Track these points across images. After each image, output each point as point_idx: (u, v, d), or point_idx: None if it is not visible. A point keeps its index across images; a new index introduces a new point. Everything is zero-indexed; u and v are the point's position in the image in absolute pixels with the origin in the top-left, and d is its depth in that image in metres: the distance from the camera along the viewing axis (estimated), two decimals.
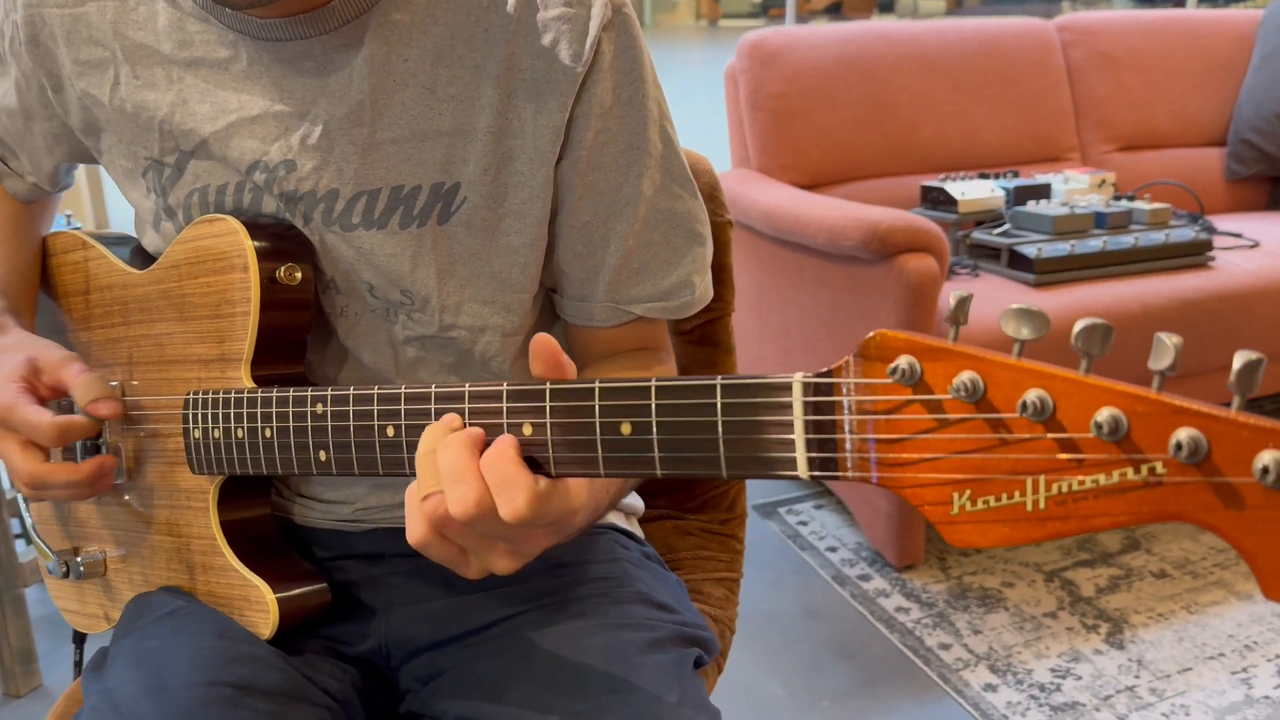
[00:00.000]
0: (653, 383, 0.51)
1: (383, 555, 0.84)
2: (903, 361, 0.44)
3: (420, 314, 0.77)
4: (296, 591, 0.75)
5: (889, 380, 0.45)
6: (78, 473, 0.76)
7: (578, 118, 0.74)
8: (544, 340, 0.55)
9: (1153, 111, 2.59)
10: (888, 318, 1.80)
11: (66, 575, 0.86)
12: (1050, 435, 0.41)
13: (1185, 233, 2.04)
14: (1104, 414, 0.40)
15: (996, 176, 2.26)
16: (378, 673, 0.82)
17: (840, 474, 0.46)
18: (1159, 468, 0.39)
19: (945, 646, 1.71)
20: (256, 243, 0.74)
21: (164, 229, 0.80)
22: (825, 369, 0.46)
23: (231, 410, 0.72)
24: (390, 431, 0.62)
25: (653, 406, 0.51)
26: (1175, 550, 1.99)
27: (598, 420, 0.53)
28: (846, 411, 0.46)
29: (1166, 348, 0.40)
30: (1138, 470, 0.40)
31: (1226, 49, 2.67)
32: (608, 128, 0.75)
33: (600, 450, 0.53)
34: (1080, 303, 1.87)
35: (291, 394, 0.68)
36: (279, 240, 0.75)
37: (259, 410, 0.70)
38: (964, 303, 0.46)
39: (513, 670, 0.73)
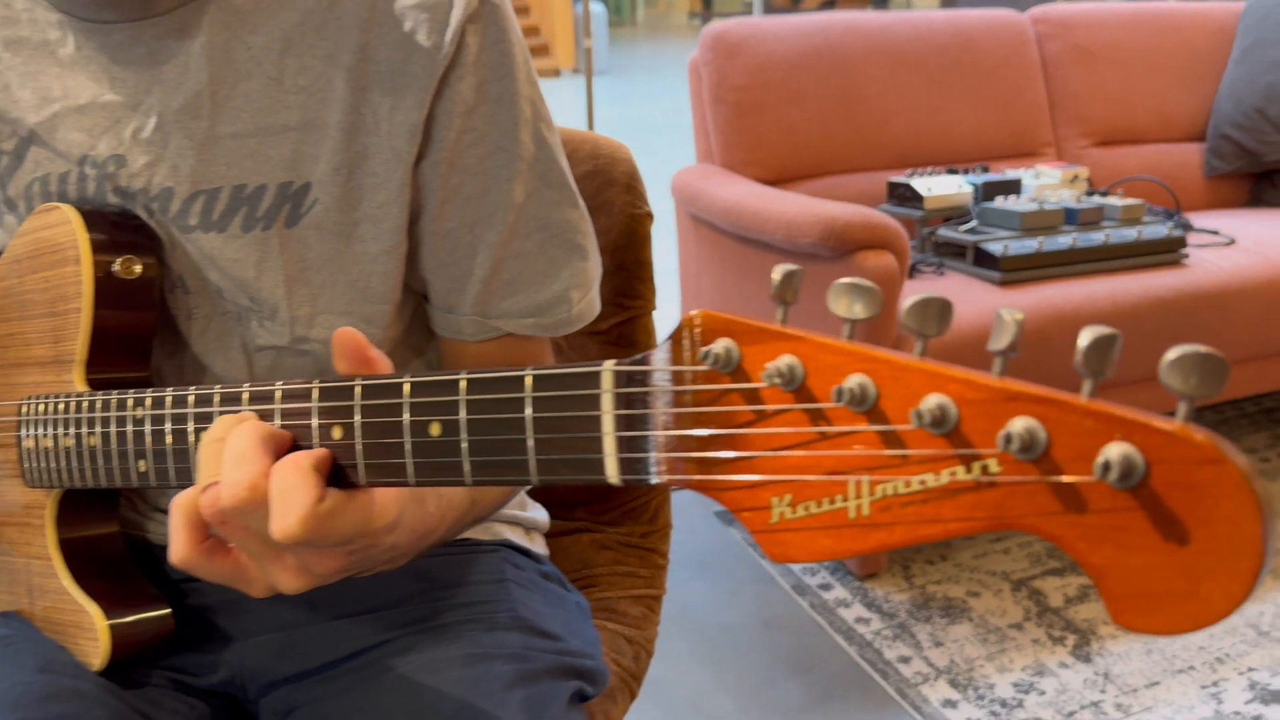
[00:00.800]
0: (462, 375, 0.45)
1: None
2: (718, 346, 0.38)
3: (271, 323, 0.71)
4: (133, 618, 0.68)
5: (704, 367, 0.38)
6: None
7: (438, 115, 0.68)
8: (346, 335, 0.49)
9: (1130, 106, 2.53)
10: None
11: None
12: (872, 427, 0.35)
13: (1159, 229, 1.97)
14: (929, 402, 0.33)
15: (965, 172, 2.20)
16: (234, 707, 0.75)
17: (651, 476, 0.39)
18: (992, 465, 0.33)
19: (905, 659, 1.64)
20: (93, 234, 0.67)
21: (5, 223, 0.74)
22: (640, 355, 0.40)
23: (59, 416, 0.66)
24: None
25: (461, 403, 0.45)
26: None
27: (406, 420, 0.46)
28: (659, 405, 0.39)
29: (1006, 325, 0.34)
30: (969, 468, 0.33)
31: (1206, 42, 2.61)
32: (473, 127, 0.69)
33: (409, 455, 0.46)
34: (1049, 301, 1.81)
35: (114, 397, 0.62)
36: (119, 231, 0.68)
37: (84, 415, 0.64)
38: (792, 277, 0.40)
39: (364, 706, 0.66)
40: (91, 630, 0.67)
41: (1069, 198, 2.07)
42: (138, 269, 0.67)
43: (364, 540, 0.49)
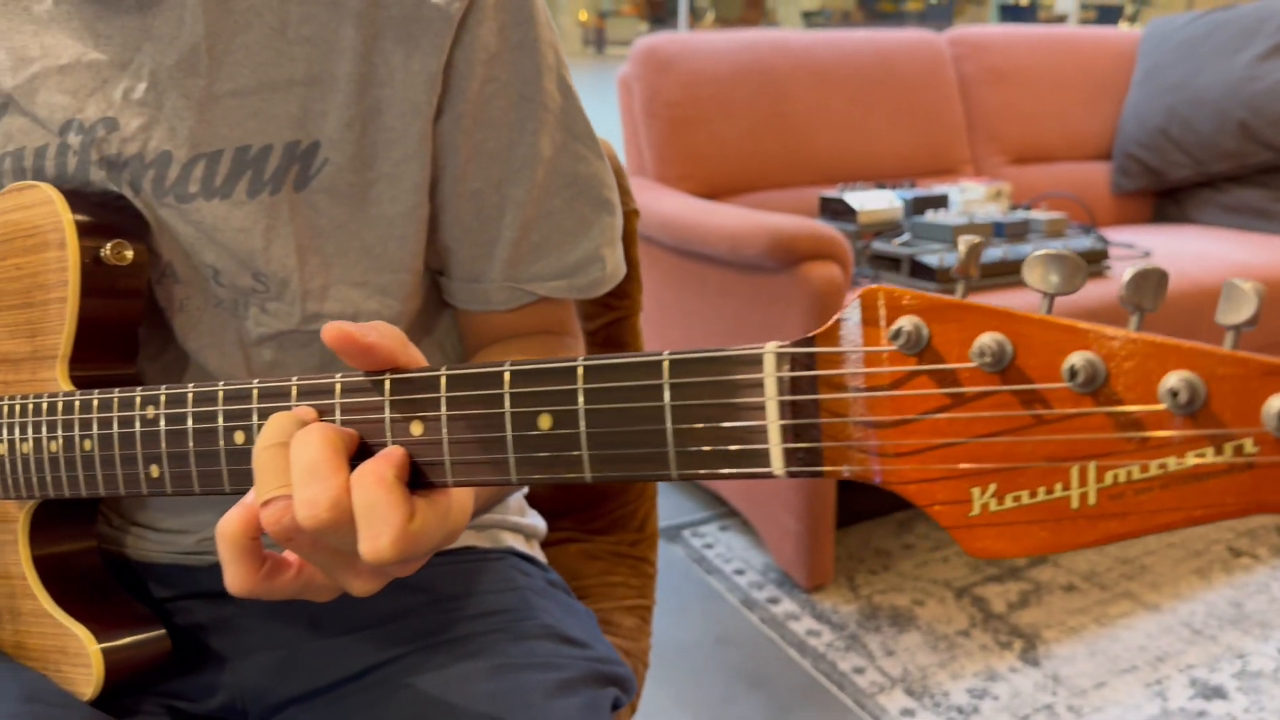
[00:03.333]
0: (579, 363, 0.40)
1: None
2: (906, 323, 0.35)
3: (277, 303, 0.65)
4: (126, 640, 0.61)
5: (887, 347, 0.35)
6: None
7: (457, 64, 0.63)
8: (333, 330, 0.43)
9: (1041, 125, 2.61)
10: (793, 327, 1.73)
11: None
12: (1101, 409, 0.32)
13: (1082, 242, 2.03)
14: (1175, 379, 0.31)
15: (894, 187, 2.23)
16: None
17: (827, 468, 0.35)
18: (1248, 446, 0.30)
19: (859, 670, 1.63)
20: (77, 215, 0.60)
21: None
22: (806, 335, 0.36)
23: (43, 418, 0.58)
24: (240, 438, 0.49)
25: (579, 392, 0.40)
26: (1081, 563, 1.96)
27: (508, 413, 0.42)
28: (832, 390, 0.36)
29: (1245, 295, 0.31)
30: (1219, 450, 0.31)
31: (1108, 65, 2.72)
32: (495, 76, 0.64)
33: (512, 450, 0.42)
34: None
35: (116, 395, 0.55)
36: (105, 212, 0.61)
37: (76, 417, 0.57)
38: (975, 250, 0.36)
39: None
40: (81, 655, 0.60)
41: (995, 212, 2.12)
42: (129, 254, 0.61)
43: (445, 543, 0.44)
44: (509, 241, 0.67)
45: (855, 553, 1.99)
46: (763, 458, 0.36)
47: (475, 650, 0.64)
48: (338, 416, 0.46)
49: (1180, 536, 2.06)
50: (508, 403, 0.42)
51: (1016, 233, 2.04)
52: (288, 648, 0.67)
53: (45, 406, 0.58)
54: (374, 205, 0.64)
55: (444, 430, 0.43)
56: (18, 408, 0.60)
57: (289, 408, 0.47)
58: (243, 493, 0.49)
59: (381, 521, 0.40)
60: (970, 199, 2.17)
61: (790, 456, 0.36)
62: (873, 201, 2.10)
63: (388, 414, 0.45)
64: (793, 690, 1.59)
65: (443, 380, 0.43)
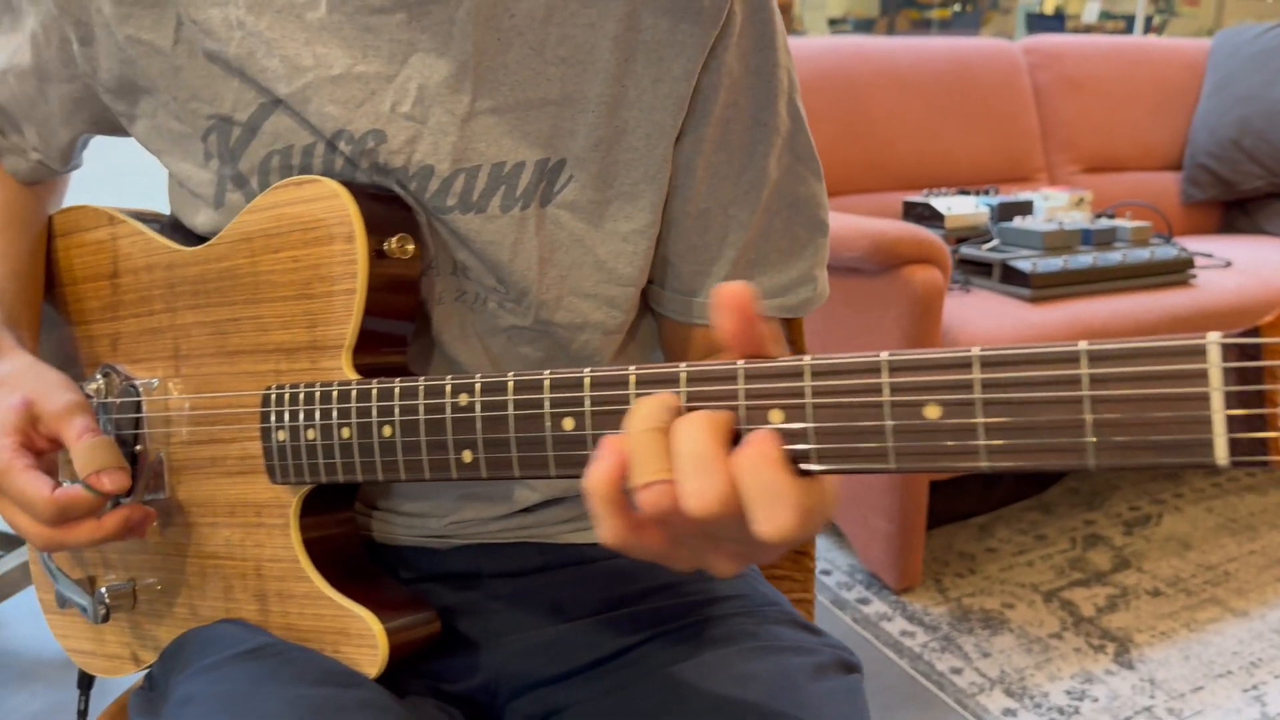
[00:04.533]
0: (974, 352, 0.42)
1: (479, 575, 0.73)
2: None
3: (514, 304, 0.67)
4: (405, 620, 0.64)
5: None
6: (101, 530, 0.65)
7: (704, 88, 0.65)
8: (734, 291, 0.45)
9: (1114, 135, 2.63)
10: (890, 331, 1.75)
11: (106, 617, 0.72)
12: None
13: (1168, 250, 2.04)
14: None
15: (976, 193, 2.25)
16: (479, 712, 0.70)
17: (1273, 457, 0.37)
18: None
19: (957, 670, 1.65)
20: (363, 209, 0.63)
21: (230, 201, 0.68)
22: (1249, 327, 0.38)
23: (334, 406, 0.61)
24: (569, 424, 0.52)
25: (976, 382, 0.42)
26: (1165, 568, 1.97)
27: (888, 402, 0.44)
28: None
29: None
30: None
31: (1178, 76, 2.73)
32: (735, 101, 0.67)
33: (892, 440, 0.44)
34: (1078, 318, 1.85)
35: (422, 383, 0.57)
36: (385, 208, 0.64)
37: (374, 404, 0.59)
38: None
39: (658, 703, 0.63)
40: (364, 636, 0.62)
41: (1081, 219, 2.13)
42: (410, 248, 0.63)
43: (825, 522, 0.46)
44: (729, 260, 0.69)
45: (939, 555, 2.01)
46: (1204, 448, 0.38)
47: (726, 633, 0.66)
48: (686, 403, 0.48)
49: (1261, 544, 2.07)
50: (887, 392, 0.44)
51: (1104, 240, 2.05)
52: (535, 630, 0.70)
53: (335, 394, 0.61)
54: (610, 221, 0.66)
55: (809, 418, 0.45)
56: (301, 395, 0.62)
57: (625, 396, 0.50)
58: (569, 476, 0.52)
59: (781, 500, 0.42)
60: (1054, 205, 2.19)
61: (1235, 446, 0.37)
62: (959, 206, 2.12)
63: (743, 401, 0.47)
64: (891, 689, 1.61)
65: (807, 369, 0.46)
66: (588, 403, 0.51)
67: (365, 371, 0.63)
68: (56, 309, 0.80)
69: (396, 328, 0.65)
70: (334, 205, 0.62)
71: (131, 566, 0.76)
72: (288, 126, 0.65)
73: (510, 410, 0.54)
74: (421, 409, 0.57)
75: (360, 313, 0.62)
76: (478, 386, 0.55)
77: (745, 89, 0.67)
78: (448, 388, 0.56)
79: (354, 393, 0.60)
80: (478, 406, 0.55)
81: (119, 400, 0.74)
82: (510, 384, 0.54)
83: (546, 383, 0.52)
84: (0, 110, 0.77)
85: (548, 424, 0.52)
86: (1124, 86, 2.66)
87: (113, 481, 0.62)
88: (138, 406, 0.73)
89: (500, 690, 0.69)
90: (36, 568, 0.84)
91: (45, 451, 0.65)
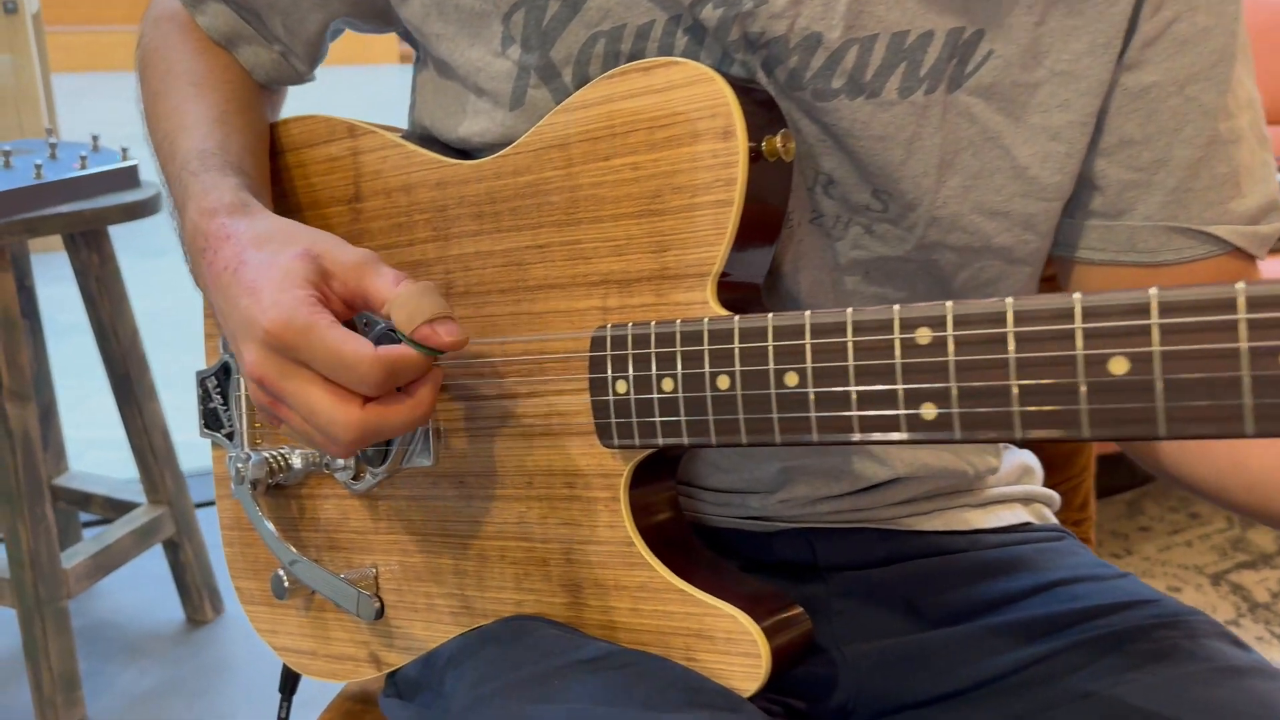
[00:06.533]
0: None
1: (816, 567, 0.60)
2: None
3: (890, 226, 0.54)
4: (779, 619, 0.50)
5: None
6: (420, 406, 0.49)
7: None
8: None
9: None
10: None
11: (380, 613, 0.59)
12: None
13: None
14: None
15: None
16: None
17: None
18: None
19: None
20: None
21: (532, 99, 0.55)
22: None
23: (704, 348, 0.48)
24: (1119, 367, 0.38)
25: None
26: None
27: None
28: None
29: None
30: None
31: None
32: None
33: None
34: None
35: (849, 317, 0.44)
36: (754, 98, 0.50)
37: (769, 345, 0.46)
38: None
39: None
40: (734, 642, 0.49)
41: None
42: (793, 147, 0.49)
43: None
44: (1184, 163, 0.54)
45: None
46: None
47: (1158, 649, 0.53)
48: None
49: None
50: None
51: None
52: (894, 638, 0.57)
53: (708, 334, 0.47)
54: (1037, 113, 0.53)
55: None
56: (653, 336, 0.49)
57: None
58: (1130, 437, 0.38)
59: None
60: None
61: None
62: None
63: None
64: None
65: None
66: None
67: (727, 307, 0.50)
68: None
69: (760, 256, 0.52)
70: (703, 93, 0.49)
71: (374, 549, 0.63)
72: (620, 2, 0.52)
73: (1010, 350, 0.40)
74: (851, 351, 0.44)
75: (734, 230, 0.49)
76: (943, 318, 0.41)
77: None
78: (894, 321, 0.43)
79: (736, 331, 0.47)
80: (949, 346, 0.41)
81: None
82: (985, 313, 0.40)
83: (1078, 309, 0.39)
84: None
85: (1083, 368, 0.39)
86: None
87: (451, 333, 0.48)
88: None
89: (856, 712, 0.57)
90: (235, 549, 0.71)
91: (341, 318, 0.49)
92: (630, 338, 0.50)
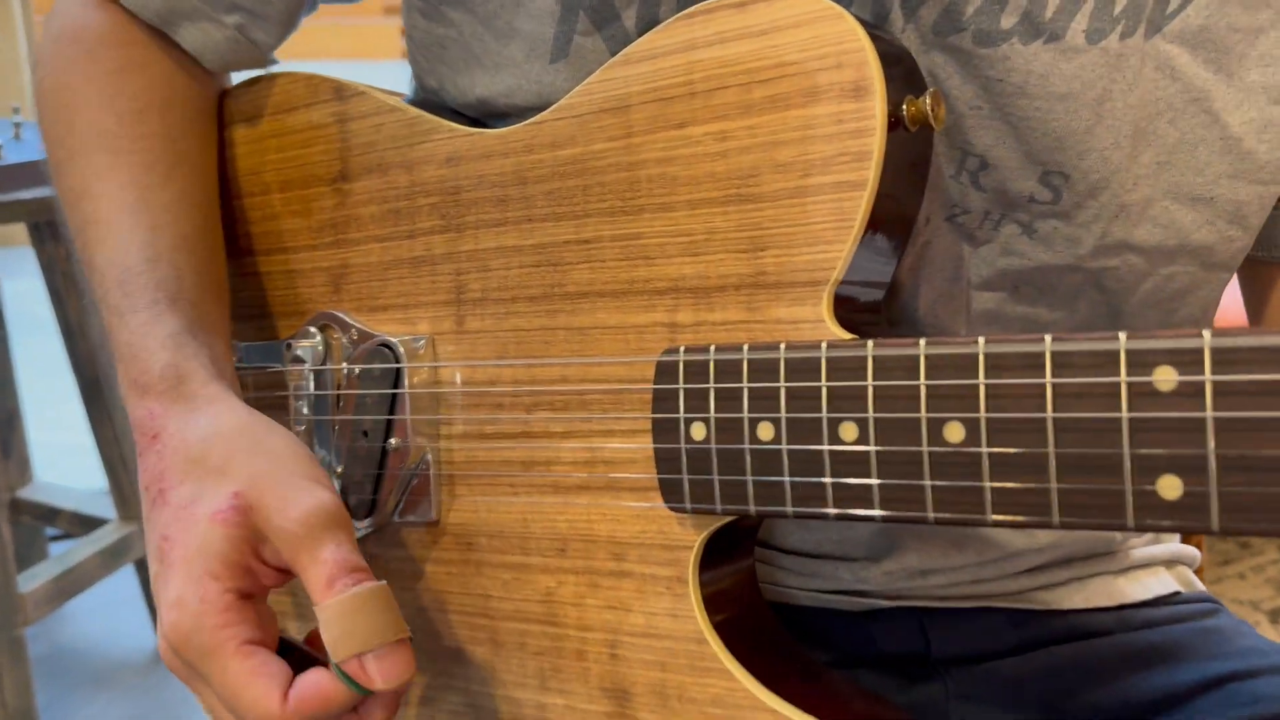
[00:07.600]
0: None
1: (929, 659, 0.47)
2: None
3: (1060, 222, 0.41)
4: None
5: None
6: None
7: None
8: None
9: None
10: None
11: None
12: None
13: None
14: None
15: None
16: None
17: None
18: None
19: None
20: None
21: (579, 49, 0.42)
22: None
23: (821, 384, 0.34)
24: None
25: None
26: None
27: None
28: None
29: None
30: None
31: None
32: None
33: None
34: None
35: (1050, 345, 0.30)
36: (892, 47, 0.37)
37: (921, 384, 0.32)
38: None
39: None
40: None
41: None
42: (942, 112, 0.36)
43: None
44: None
45: None
46: None
47: None
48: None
49: None
50: None
51: None
52: None
53: (827, 362, 0.34)
54: (1256, 68, 0.40)
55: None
56: (745, 364, 0.36)
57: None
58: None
59: None
60: None
61: None
62: None
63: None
64: None
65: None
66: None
67: (846, 326, 0.36)
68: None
69: (885, 262, 0.38)
70: (825, 35, 0.36)
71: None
72: None
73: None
74: (1050, 395, 0.30)
75: (863, 223, 0.35)
76: (1206, 352, 0.28)
77: None
78: (1122, 354, 0.29)
79: (869, 362, 0.33)
80: (1209, 393, 0.28)
81: (361, 367, 0.47)
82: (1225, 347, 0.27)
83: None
84: None
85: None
86: None
87: (386, 674, 0.36)
88: (395, 378, 0.46)
89: None
90: None
91: (268, 590, 0.40)
92: (713, 366, 0.37)
